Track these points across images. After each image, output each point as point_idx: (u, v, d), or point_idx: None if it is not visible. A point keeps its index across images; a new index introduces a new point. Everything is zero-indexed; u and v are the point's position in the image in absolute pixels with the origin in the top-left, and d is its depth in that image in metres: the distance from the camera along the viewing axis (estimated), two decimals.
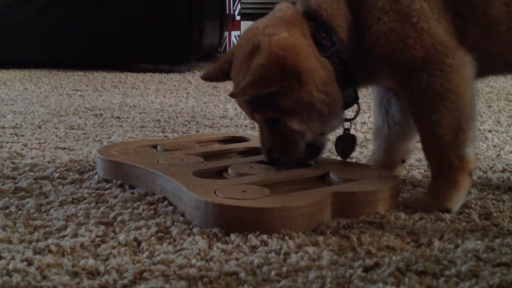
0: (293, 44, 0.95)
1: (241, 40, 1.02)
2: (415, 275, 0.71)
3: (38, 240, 0.80)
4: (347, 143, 1.09)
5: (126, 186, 1.05)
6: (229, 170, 1.02)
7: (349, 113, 1.07)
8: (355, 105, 1.05)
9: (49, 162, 1.22)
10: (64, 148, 1.35)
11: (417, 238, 0.82)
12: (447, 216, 0.91)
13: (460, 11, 0.93)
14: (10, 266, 0.71)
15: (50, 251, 0.76)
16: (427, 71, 0.92)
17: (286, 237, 0.81)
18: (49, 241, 0.79)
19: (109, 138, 1.47)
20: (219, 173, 1.05)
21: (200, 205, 0.86)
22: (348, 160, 1.11)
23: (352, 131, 1.09)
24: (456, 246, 0.80)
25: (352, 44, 0.97)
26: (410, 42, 0.92)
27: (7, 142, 1.40)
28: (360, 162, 1.20)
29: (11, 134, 1.50)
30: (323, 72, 0.97)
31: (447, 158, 0.93)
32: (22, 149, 1.33)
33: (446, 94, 0.92)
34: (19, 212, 0.91)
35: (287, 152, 1.02)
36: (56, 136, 1.48)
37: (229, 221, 0.84)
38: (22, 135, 1.48)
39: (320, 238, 0.81)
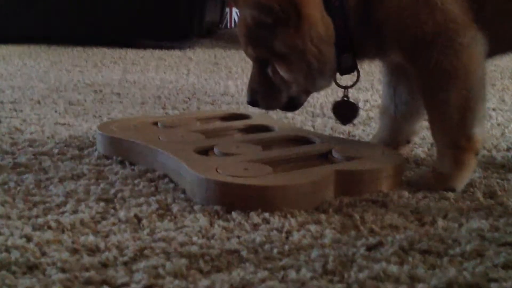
0: None
1: None
2: (419, 254, 0.70)
3: (37, 216, 0.79)
4: (346, 109, 1.09)
5: (127, 163, 1.03)
6: (215, 149, 1.00)
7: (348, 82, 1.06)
8: (355, 74, 1.04)
9: (48, 137, 1.20)
10: (64, 124, 1.34)
11: (420, 217, 0.81)
12: (451, 195, 0.90)
13: None
14: (9, 242, 0.70)
15: (49, 227, 0.75)
16: (437, 48, 0.90)
17: (288, 215, 0.80)
18: (49, 217, 0.78)
19: (109, 114, 1.46)
20: None
21: (201, 183, 0.85)
22: (351, 138, 1.10)
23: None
24: (460, 225, 0.79)
25: (361, 14, 0.95)
26: (422, 17, 0.90)
27: (6, 117, 1.38)
28: (364, 141, 1.18)
29: (10, 109, 1.48)
30: (322, 29, 0.95)
31: (454, 137, 0.92)
32: (21, 125, 1.31)
33: (455, 72, 0.90)
34: (18, 188, 0.90)
35: (269, 98, 1.03)
36: (56, 111, 1.47)
37: (231, 199, 0.82)
38: (21, 110, 1.47)
39: (323, 217, 0.80)
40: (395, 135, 1.10)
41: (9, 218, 0.78)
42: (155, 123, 1.21)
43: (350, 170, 0.90)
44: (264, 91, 1.03)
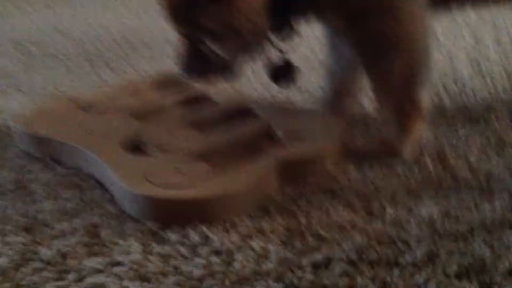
0: None
1: None
2: (368, 267, 0.65)
3: None
4: (285, 72, 0.99)
5: (48, 161, 0.94)
6: (148, 143, 0.91)
7: None
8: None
9: None
10: None
11: (368, 205, 0.77)
12: (400, 167, 0.85)
13: None
14: None
15: None
16: (378, 16, 0.81)
17: (229, 227, 0.74)
18: None
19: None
20: None
21: (131, 197, 0.77)
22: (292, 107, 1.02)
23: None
24: (410, 211, 0.74)
25: None
26: None
27: None
28: (305, 108, 1.09)
29: None
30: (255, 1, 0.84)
31: (398, 105, 0.86)
32: None
33: (397, 41, 0.82)
34: None
35: (202, 70, 0.94)
36: None
37: (165, 215, 0.75)
38: None
39: (265, 225, 0.74)
40: (340, 96, 1.02)
41: None
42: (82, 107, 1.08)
43: (294, 160, 0.83)
44: (196, 64, 0.93)
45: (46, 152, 0.95)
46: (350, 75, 1.00)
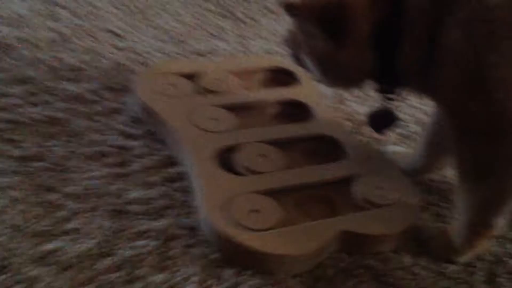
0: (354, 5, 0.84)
1: None
2: None
3: None
4: (382, 118, 1.00)
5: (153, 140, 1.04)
6: (240, 157, 0.98)
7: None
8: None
9: None
10: None
11: None
12: (449, 270, 0.89)
13: None
14: None
15: None
16: (489, 140, 0.80)
17: (278, 286, 0.83)
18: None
19: None
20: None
21: (206, 224, 0.87)
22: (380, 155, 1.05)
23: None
24: None
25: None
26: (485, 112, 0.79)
27: None
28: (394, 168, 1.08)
29: None
30: (359, 50, 0.86)
31: (472, 221, 0.88)
32: None
33: (499, 167, 0.82)
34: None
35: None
36: None
37: (229, 252, 0.85)
38: None
39: None
40: (425, 165, 1.04)
41: None
42: (194, 77, 1.17)
43: (357, 233, 0.89)
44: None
45: (154, 126, 1.06)
46: (442, 150, 1.01)
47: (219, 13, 1.58)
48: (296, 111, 1.14)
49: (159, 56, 1.30)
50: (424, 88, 0.88)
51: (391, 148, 1.12)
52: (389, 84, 0.91)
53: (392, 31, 0.81)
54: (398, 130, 1.15)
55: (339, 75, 0.92)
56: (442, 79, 0.79)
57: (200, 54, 1.35)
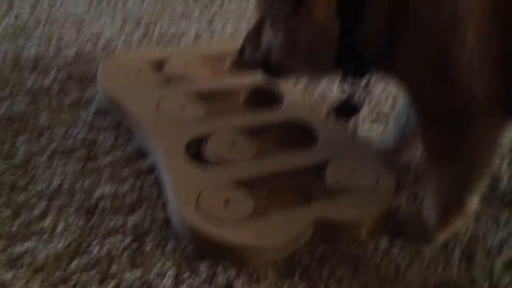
0: None
1: None
2: None
3: None
4: (346, 110, 1.00)
5: (119, 134, 1.02)
6: (207, 150, 0.97)
7: None
8: None
9: None
10: None
11: None
12: (426, 254, 0.90)
13: None
14: None
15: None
16: (450, 123, 0.81)
17: (255, 276, 0.82)
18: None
19: None
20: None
21: (178, 218, 0.86)
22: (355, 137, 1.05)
23: None
24: None
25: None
26: (441, 95, 0.79)
27: None
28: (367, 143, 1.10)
29: None
30: (322, 21, 0.85)
31: (444, 200, 0.88)
32: None
33: (463, 148, 0.82)
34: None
35: (251, 51, 0.97)
36: None
37: (203, 247, 0.84)
38: None
39: (286, 286, 0.82)
40: (400, 145, 1.05)
41: None
42: (159, 64, 1.14)
43: (332, 219, 0.89)
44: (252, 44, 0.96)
45: (122, 119, 1.04)
46: (413, 132, 1.02)
47: None
48: (267, 96, 1.13)
49: (124, 43, 1.27)
50: (390, 68, 0.87)
51: (366, 128, 1.12)
52: (355, 63, 0.90)
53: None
54: (374, 109, 1.15)
55: (308, 54, 0.90)
56: (405, 61, 0.79)
57: (167, 38, 1.32)
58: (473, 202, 0.88)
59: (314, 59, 0.91)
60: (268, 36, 0.92)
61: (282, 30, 0.89)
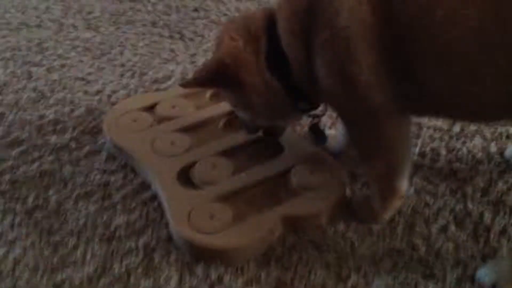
0: (241, 58, 1.05)
1: (226, 28, 1.12)
2: None
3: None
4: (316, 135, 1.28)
5: (128, 171, 1.28)
6: (195, 173, 1.22)
7: None
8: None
9: None
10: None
11: (339, 269, 1.06)
12: (375, 230, 1.12)
13: None
14: None
15: None
16: (363, 126, 1.04)
17: (240, 270, 1.07)
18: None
19: None
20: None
21: (176, 234, 1.11)
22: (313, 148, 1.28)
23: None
24: (367, 283, 1.03)
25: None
26: (348, 103, 1.03)
27: None
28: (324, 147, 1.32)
29: None
30: (263, 90, 1.07)
31: (379, 190, 1.11)
32: None
33: (378, 147, 1.05)
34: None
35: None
36: None
37: (196, 253, 1.09)
38: None
39: (264, 273, 1.06)
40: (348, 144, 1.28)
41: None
42: (152, 107, 1.40)
43: (296, 214, 1.13)
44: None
45: (126, 160, 1.29)
46: None
47: (169, 36, 1.80)
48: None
49: (124, 93, 1.53)
50: (321, 97, 1.10)
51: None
52: (304, 101, 1.12)
53: (278, 59, 1.03)
54: (330, 115, 1.38)
55: (267, 111, 1.13)
56: (323, 89, 1.01)
57: (158, 82, 1.57)
58: (404, 185, 1.10)
59: (274, 112, 1.15)
60: (240, 114, 1.19)
61: (242, 106, 1.14)
